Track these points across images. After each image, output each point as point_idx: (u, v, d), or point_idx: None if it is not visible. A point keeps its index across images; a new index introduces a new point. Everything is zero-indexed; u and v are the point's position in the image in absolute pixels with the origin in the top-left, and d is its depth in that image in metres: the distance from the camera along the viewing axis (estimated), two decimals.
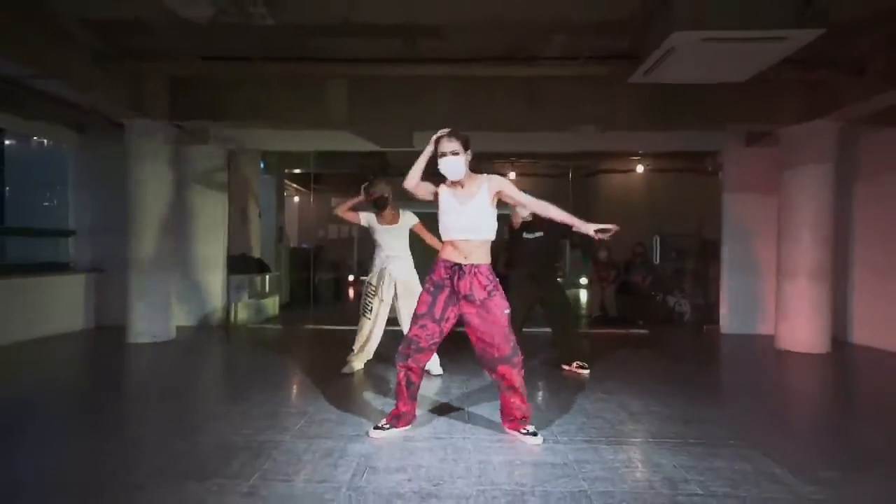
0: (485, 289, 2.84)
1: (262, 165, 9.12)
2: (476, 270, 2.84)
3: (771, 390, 4.44)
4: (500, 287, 2.90)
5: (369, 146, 7.32)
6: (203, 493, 2.32)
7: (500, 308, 2.86)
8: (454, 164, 2.81)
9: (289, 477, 2.49)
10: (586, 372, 4.59)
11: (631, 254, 8.57)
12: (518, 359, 2.89)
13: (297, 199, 12.38)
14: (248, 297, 7.66)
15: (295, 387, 4.09)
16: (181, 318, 6.93)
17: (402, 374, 2.98)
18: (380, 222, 4.37)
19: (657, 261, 8.55)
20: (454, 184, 2.89)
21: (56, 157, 7.18)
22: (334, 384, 4.17)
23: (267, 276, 8.44)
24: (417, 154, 2.91)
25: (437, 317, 2.88)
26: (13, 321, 5.80)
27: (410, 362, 2.94)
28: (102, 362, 5.24)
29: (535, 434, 2.95)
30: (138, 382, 4.50)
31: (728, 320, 7.01)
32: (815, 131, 5.71)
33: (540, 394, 3.99)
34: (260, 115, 5.95)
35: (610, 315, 8.20)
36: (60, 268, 6.85)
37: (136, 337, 5.85)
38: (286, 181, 10.65)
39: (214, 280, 7.21)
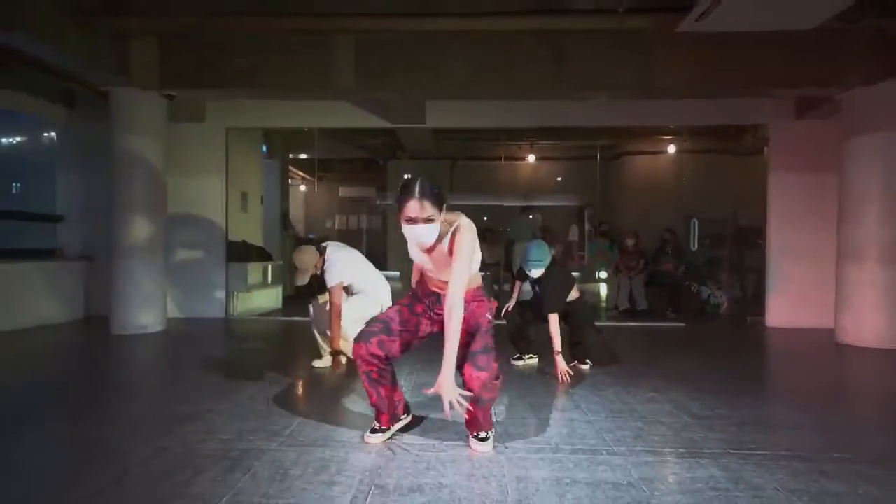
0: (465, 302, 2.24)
1: (264, 149, 8.59)
2: None
3: (862, 393, 3.78)
4: (486, 299, 2.42)
5: (377, 122, 6.72)
6: None
7: (482, 310, 2.37)
8: (424, 232, 2.19)
9: (269, 499, 1.89)
10: (586, 367, 4.00)
11: (660, 241, 7.90)
12: (487, 375, 2.17)
13: (302, 187, 11.84)
14: (250, 288, 7.11)
15: (289, 384, 3.50)
16: (177, 308, 6.41)
17: (360, 366, 2.33)
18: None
19: (695, 246, 7.82)
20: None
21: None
22: (333, 382, 3.59)
23: (269, 266, 7.88)
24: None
25: (415, 315, 2.45)
26: None
27: (371, 347, 2.28)
28: (79, 355, 4.71)
29: (485, 440, 2.35)
30: (111, 377, 3.92)
31: (775, 312, 6.32)
32: (884, 95, 5.00)
33: (566, 384, 3.38)
34: (258, 81, 5.36)
35: (639, 307, 7.54)
36: (46, 255, 6.33)
37: (120, 328, 5.27)
38: (291, 168, 10.12)
39: (212, 268, 6.67)
